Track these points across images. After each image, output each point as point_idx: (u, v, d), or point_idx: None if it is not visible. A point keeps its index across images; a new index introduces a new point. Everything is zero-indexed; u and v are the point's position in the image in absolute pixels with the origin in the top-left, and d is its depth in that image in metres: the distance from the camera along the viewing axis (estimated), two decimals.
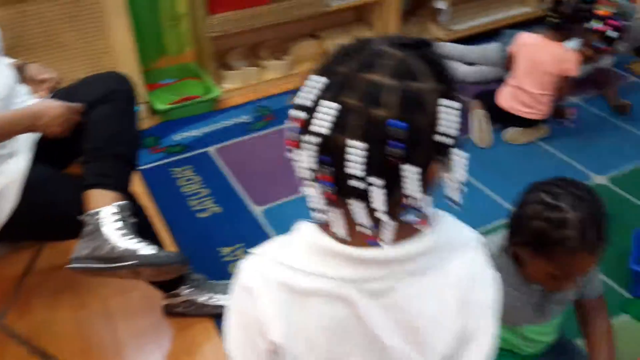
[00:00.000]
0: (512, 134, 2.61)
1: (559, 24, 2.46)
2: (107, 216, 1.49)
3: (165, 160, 2.54)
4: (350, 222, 0.69)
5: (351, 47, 0.68)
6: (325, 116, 0.64)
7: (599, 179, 2.36)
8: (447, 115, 0.65)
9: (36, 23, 2.40)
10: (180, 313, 1.82)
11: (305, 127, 0.66)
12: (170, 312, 1.84)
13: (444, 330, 0.74)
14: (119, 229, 1.48)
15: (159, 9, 2.87)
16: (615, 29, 2.51)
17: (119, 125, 1.64)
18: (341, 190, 0.66)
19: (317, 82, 0.66)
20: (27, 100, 1.65)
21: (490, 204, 2.26)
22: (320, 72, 0.67)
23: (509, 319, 1.37)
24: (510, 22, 3.55)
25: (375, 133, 0.62)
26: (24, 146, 1.58)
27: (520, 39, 2.58)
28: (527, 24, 3.60)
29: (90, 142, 1.60)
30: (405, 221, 0.71)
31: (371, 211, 0.66)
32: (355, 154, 0.62)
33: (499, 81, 2.89)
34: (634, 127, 2.67)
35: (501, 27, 3.49)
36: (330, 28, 3.31)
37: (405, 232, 0.71)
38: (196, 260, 1.81)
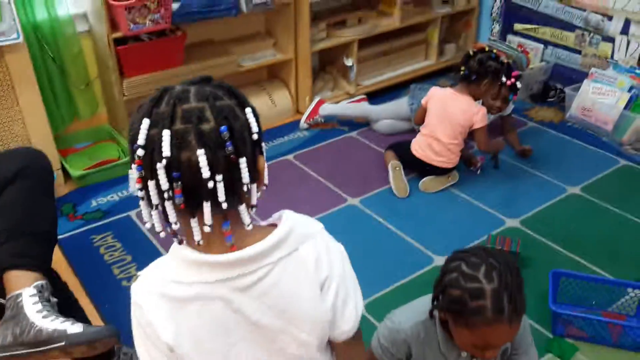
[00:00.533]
0: (425, 182, 2.73)
1: (468, 77, 2.64)
2: (28, 298, 1.41)
3: (84, 228, 2.45)
4: (205, 234, 0.85)
5: (158, 94, 0.85)
6: (165, 143, 0.79)
7: (511, 222, 2.51)
8: (253, 119, 0.86)
9: None
10: None
11: (147, 163, 0.82)
12: None
13: (306, 302, 0.92)
14: (42, 310, 1.40)
15: (68, 74, 2.81)
16: (518, 78, 2.75)
17: (35, 202, 1.57)
18: (189, 199, 0.82)
19: (144, 124, 0.81)
20: None
21: (413, 252, 2.33)
22: (141, 117, 0.82)
23: None
24: (415, 75, 3.77)
25: (208, 142, 0.80)
26: None
27: (433, 92, 2.75)
28: (430, 76, 3.84)
29: (5, 221, 1.52)
30: (257, 224, 0.92)
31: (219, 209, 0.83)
32: (202, 160, 0.79)
33: (411, 132, 3.06)
34: (537, 170, 2.88)
35: (407, 80, 3.71)
36: (245, 87, 3.36)
37: (261, 234, 0.90)
38: (125, 333, 1.73)
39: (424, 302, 1.34)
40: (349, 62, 3.48)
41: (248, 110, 0.86)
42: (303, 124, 3.29)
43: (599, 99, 3.13)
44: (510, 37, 3.81)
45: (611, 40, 3.28)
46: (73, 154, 2.82)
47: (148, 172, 0.82)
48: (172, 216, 0.84)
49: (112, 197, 2.65)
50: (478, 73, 2.62)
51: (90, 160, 2.77)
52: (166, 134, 0.79)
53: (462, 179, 2.78)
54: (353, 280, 1.00)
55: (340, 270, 0.96)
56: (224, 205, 0.82)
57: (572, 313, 1.94)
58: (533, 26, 3.66)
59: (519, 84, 2.75)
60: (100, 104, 3.02)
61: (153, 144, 0.81)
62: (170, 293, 0.88)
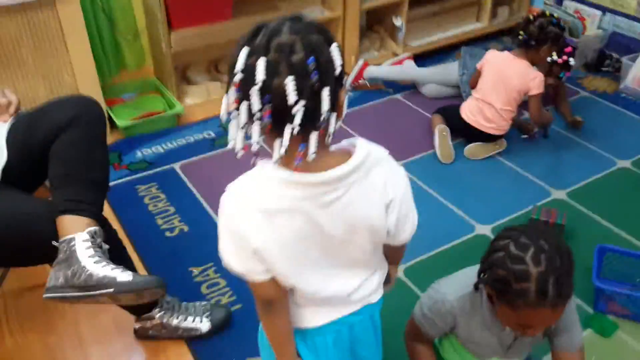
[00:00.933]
0: (471, 149, 2.68)
1: (527, 42, 2.56)
2: (81, 242, 1.45)
3: (129, 178, 2.49)
4: (290, 155, 0.95)
5: (255, 28, 0.94)
6: (259, 69, 0.89)
7: (557, 194, 2.46)
8: (338, 54, 0.94)
9: None
10: (152, 336, 1.79)
11: (243, 87, 0.91)
12: (142, 335, 1.80)
13: (373, 220, 1.07)
14: (94, 255, 1.44)
15: (117, 25, 2.82)
16: (571, 54, 2.67)
17: (89, 149, 1.59)
18: (275, 122, 0.92)
19: (243, 52, 0.91)
20: None
21: (454, 220, 2.31)
22: (241, 47, 0.92)
23: (478, 352, 1.41)
24: (465, 37, 3.66)
25: (297, 71, 0.89)
26: None
27: (489, 55, 2.67)
28: (481, 40, 3.73)
29: (59, 167, 1.55)
30: (337, 149, 1.03)
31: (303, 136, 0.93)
32: (290, 87, 0.89)
33: (459, 97, 3.00)
34: (588, 142, 2.79)
35: (457, 42, 3.61)
36: None
37: (336, 159, 1.01)
38: (167, 282, 1.78)
39: (470, 274, 1.32)
40: (398, 21, 3.40)
41: (334, 45, 0.94)
42: (348, 85, 3.25)
43: None
44: (566, 2, 3.65)
45: None
46: (119, 105, 2.85)
47: (243, 95, 0.92)
48: (256, 135, 0.94)
49: (156, 148, 2.68)
50: (538, 38, 2.54)
51: (136, 111, 2.80)
52: (261, 62, 0.89)
53: (509, 147, 2.72)
54: (411, 198, 1.15)
55: (403, 190, 1.10)
56: (297, 130, 0.92)
57: (615, 289, 1.90)
58: None
59: (572, 61, 2.68)
60: (147, 56, 3.03)
61: (250, 70, 0.90)
62: (263, 205, 1.00)
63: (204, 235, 2.21)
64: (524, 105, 2.68)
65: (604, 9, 3.47)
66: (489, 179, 2.56)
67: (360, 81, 3.23)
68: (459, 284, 1.35)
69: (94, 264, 1.42)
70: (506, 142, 2.71)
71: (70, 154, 1.56)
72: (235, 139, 0.98)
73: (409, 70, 3.26)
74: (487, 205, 2.39)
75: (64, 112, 1.60)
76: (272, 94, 0.90)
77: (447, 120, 2.74)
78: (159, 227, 2.24)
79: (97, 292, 1.41)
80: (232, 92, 0.93)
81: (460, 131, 2.72)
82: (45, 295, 1.44)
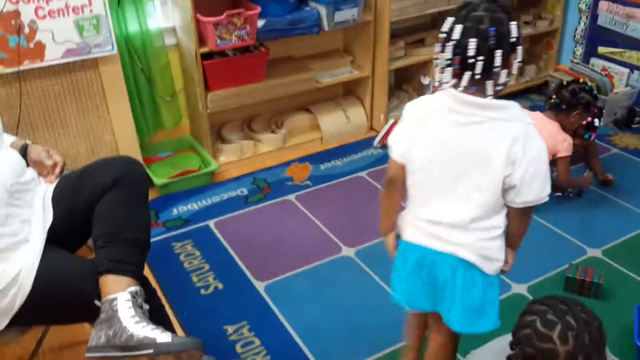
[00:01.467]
0: None
1: (559, 105, 2.62)
2: (123, 303, 1.48)
3: (165, 235, 2.54)
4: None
5: (461, 5, 1.37)
6: (456, 32, 1.31)
7: (592, 252, 2.43)
8: (515, 28, 1.32)
9: (37, 100, 2.44)
10: None
11: (444, 43, 1.34)
12: None
13: (492, 160, 1.35)
14: (134, 315, 1.47)
15: (156, 86, 2.93)
16: (597, 116, 2.75)
17: (132, 210, 1.64)
18: (461, 68, 1.33)
19: (450, 20, 1.34)
20: (34, 185, 1.66)
21: None
22: (451, 16, 1.35)
23: None
24: None
25: (480, 35, 1.29)
26: (37, 232, 1.57)
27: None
28: (509, 96, 3.74)
29: (103, 227, 1.60)
30: (498, 87, 1.35)
31: (474, 78, 1.32)
32: (472, 45, 1.29)
33: None
34: (621, 199, 2.77)
35: None
36: (322, 102, 3.41)
37: (488, 100, 1.35)
38: (204, 341, 1.79)
39: (503, 344, 1.32)
40: (425, 80, 3.47)
41: (513, 23, 1.32)
42: (377, 143, 3.30)
43: None
44: (593, 60, 3.70)
45: None
46: (156, 163, 2.94)
47: (443, 48, 1.34)
48: (448, 76, 1.36)
49: (192, 206, 2.74)
50: (569, 103, 2.60)
51: (172, 169, 2.88)
52: (458, 27, 1.31)
53: (543, 205, 2.70)
54: (543, 167, 1.38)
55: (535, 154, 1.35)
56: (477, 77, 1.31)
57: None
58: (619, 50, 3.54)
59: (596, 122, 2.74)
60: (184, 116, 3.14)
61: (451, 32, 1.32)
62: (427, 103, 1.45)
63: (238, 293, 2.22)
64: (553, 162, 2.68)
65: (632, 67, 3.50)
66: (526, 239, 2.54)
67: (386, 141, 3.27)
68: (491, 354, 1.35)
69: (134, 325, 1.45)
70: None
71: (114, 214, 1.61)
72: (438, 79, 1.40)
73: None
74: (522, 263, 2.32)
75: (108, 173, 1.67)
76: (461, 49, 1.31)
77: None
78: (194, 285, 2.27)
79: (138, 352, 1.43)
80: (438, 47, 1.37)
81: None
82: (87, 355, 1.46)
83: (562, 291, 2.22)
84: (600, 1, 3.57)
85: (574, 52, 3.81)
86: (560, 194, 2.79)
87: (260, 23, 2.80)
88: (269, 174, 2.99)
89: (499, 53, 1.29)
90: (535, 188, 1.37)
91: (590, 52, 3.72)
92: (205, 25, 2.68)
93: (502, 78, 1.32)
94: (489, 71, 1.30)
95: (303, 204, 2.78)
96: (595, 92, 2.67)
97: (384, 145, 3.29)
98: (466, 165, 1.38)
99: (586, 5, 3.66)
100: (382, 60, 3.26)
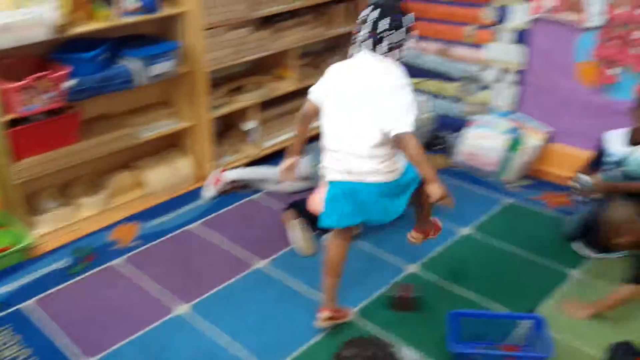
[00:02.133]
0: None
1: None
2: None
3: None
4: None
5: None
6: (370, 18, 2.01)
7: (411, 268, 2.62)
8: (411, 17, 2.03)
9: None
10: None
11: (361, 23, 2.04)
12: None
13: (378, 90, 2.02)
14: None
15: None
16: None
17: None
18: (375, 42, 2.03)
19: (369, 8, 2.03)
20: None
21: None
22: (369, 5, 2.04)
23: None
24: (316, 132, 3.87)
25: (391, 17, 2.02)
26: None
27: None
28: None
29: None
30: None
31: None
32: (383, 23, 1.99)
33: (310, 190, 3.15)
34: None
35: (309, 137, 3.82)
36: (146, 157, 3.36)
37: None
38: None
39: None
40: (249, 125, 3.56)
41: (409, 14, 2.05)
42: (206, 194, 3.31)
43: (482, 143, 3.36)
44: None
45: (488, 88, 3.56)
46: None
47: (361, 27, 2.05)
48: (369, 46, 2.04)
49: (7, 287, 2.53)
50: None
51: None
52: (376, 12, 2.00)
53: (364, 230, 2.88)
54: (401, 100, 2.00)
55: (392, 87, 2.02)
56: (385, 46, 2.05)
57: (472, 351, 2.03)
58: (419, 80, 3.90)
59: None
60: None
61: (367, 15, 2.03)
62: (342, 64, 2.15)
63: None
64: None
65: (430, 94, 3.87)
66: (350, 263, 2.65)
67: (217, 185, 3.31)
68: None
69: None
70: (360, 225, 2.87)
71: None
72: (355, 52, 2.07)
73: (262, 169, 3.39)
74: (352, 289, 2.48)
75: None
76: (375, 26, 1.99)
77: (301, 213, 2.85)
78: None
79: None
80: (357, 27, 2.02)
81: (315, 221, 2.84)
82: None
83: (389, 310, 2.36)
84: None
85: None
86: None
87: (70, 83, 2.70)
88: (92, 240, 2.87)
89: (395, 33, 1.97)
90: (391, 116, 1.95)
91: None
92: (7, 91, 2.53)
93: (395, 51, 2.04)
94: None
95: (134, 265, 2.70)
96: None
97: (215, 194, 3.31)
98: (359, 105, 2.03)
99: None
100: (203, 109, 3.29)
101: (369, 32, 1.99)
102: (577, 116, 3.22)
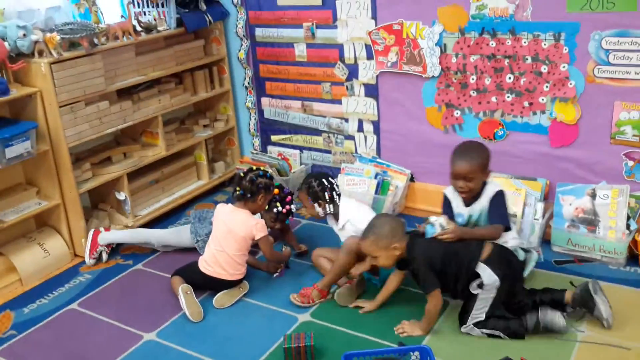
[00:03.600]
0: (219, 299, 2.81)
1: (244, 195, 2.87)
2: None
3: None
4: None
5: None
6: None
7: (302, 317, 2.69)
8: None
9: None
10: None
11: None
12: None
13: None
14: None
15: None
16: (291, 202, 3.22)
17: None
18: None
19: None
20: None
21: None
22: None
23: None
24: (192, 196, 3.92)
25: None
26: None
27: (217, 209, 2.96)
28: (208, 194, 4.02)
29: None
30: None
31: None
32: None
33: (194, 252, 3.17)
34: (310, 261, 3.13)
35: (185, 201, 3.84)
36: (13, 241, 3.18)
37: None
38: None
39: None
40: (121, 196, 3.50)
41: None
42: (89, 260, 3.23)
43: (353, 189, 3.58)
44: (270, 147, 4.20)
45: (352, 138, 3.82)
46: None
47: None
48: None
49: None
50: (252, 191, 2.88)
51: None
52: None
53: (252, 286, 2.93)
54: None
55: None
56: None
57: None
58: (287, 136, 4.09)
59: (293, 208, 3.22)
60: None
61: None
62: None
63: None
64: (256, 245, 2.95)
65: (300, 148, 4.06)
66: (242, 322, 2.70)
67: (96, 250, 3.25)
68: None
69: None
70: (248, 283, 2.92)
71: None
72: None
73: (143, 232, 3.34)
74: (246, 347, 2.50)
75: None
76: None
77: (188, 278, 2.85)
78: None
79: None
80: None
81: (203, 285, 2.85)
82: None
83: None
84: (262, 98, 4.11)
85: (253, 144, 4.27)
86: (277, 274, 3.04)
87: None
88: None
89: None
90: None
91: (266, 142, 4.22)
92: None
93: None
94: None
95: (11, 359, 2.52)
96: (269, 173, 3.00)
97: (96, 260, 3.25)
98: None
99: (252, 104, 4.16)
100: (69, 185, 3.20)
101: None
102: (431, 155, 3.54)
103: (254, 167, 3.01)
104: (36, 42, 2.98)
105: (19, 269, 3.08)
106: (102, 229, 3.31)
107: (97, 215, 3.53)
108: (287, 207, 3.20)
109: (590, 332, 2.43)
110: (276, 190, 3.12)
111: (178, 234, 3.31)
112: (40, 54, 3.01)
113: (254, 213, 2.93)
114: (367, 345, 2.46)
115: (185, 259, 3.09)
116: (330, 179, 3.00)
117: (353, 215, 2.91)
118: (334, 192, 2.97)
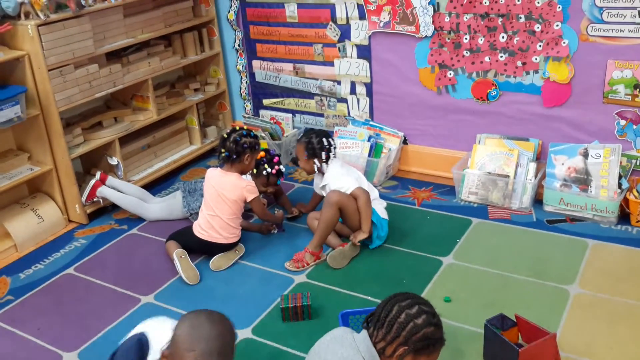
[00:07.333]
0: (215, 262, 2.83)
1: (229, 157, 2.84)
2: None
3: None
4: None
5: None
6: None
7: (298, 278, 2.72)
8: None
9: None
10: None
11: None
12: None
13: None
14: None
15: None
16: (280, 163, 3.19)
17: None
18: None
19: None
20: None
21: None
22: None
23: None
24: (184, 161, 3.90)
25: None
26: None
27: (208, 173, 2.93)
28: (200, 159, 4.01)
29: None
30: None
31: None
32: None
33: (187, 220, 3.17)
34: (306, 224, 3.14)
35: (178, 166, 3.82)
36: (6, 207, 3.17)
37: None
38: None
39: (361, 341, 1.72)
40: (113, 160, 3.48)
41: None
42: (85, 202, 3.28)
43: (346, 152, 3.57)
44: (262, 111, 4.16)
45: (344, 100, 3.80)
46: None
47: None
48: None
49: None
50: (237, 151, 2.84)
51: None
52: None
53: (248, 249, 2.95)
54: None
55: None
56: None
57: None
58: (279, 99, 4.06)
59: (282, 168, 3.19)
60: None
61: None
62: None
63: None
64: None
65: (292, 112, 4.04)
66: (239, 283, 2.73)
67: (94, 199, 3.28)
68: None
69: None
70: (243, 246, 2.94)
71: None
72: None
73: (138, 204, 3.32)
74: (244, 309, 2.53)
75: None
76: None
77: (183, 242, 2.86)
78: None
79: None
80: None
81: (199, 249, 2.87)
82: None
83: (281, 322, 2.43)
84: (253, 61, 4.06)
85: (245, 108, 4.23)
86: (269, 233, 3.08)
87: None
88: None
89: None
90: None
91: (257, 106, 4.19)
92: None
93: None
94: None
95: (9, 323, 2.53)
96: (253, 132, 2.95)
97: (92, 203, 3.32)
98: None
99: (243, 67, 4.11)
100: (61, 151, 3.17)
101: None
102: (425, 117, 3.53)
103: (237, 127, 2.96)
104: (22, 3, 2.91)
105: (13, 235, 3.07)
106: (99, 174, 3.35)
107: (89, 180, 3.51)
108: (277, 167, 3.19)
109: (582, 290, 2.48)
110: (262, 153, 3.11)
111: (169, 209, 3.28)
112: (27, 15, 2.94)
113: (242, 173, 2.90)
114: (362, 304, 2.49)
115: (180, 224, 3.10)
116: (330, 139, 2.98)
117: (333, 183, 2.88)
118: (330, 154, 2.96)
